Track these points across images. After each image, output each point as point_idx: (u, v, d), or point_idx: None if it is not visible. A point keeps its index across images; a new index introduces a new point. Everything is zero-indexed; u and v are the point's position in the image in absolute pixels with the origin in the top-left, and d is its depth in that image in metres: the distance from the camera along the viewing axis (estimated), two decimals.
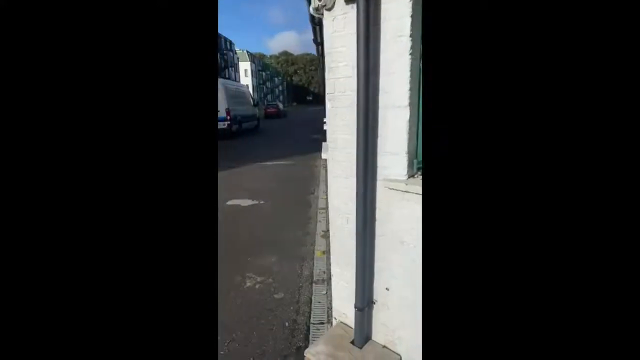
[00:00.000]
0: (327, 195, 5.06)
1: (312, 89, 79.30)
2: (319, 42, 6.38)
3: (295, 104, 68.34)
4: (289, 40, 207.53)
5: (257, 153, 9.41)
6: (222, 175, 6.83)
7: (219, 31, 37.91)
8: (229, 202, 4.94)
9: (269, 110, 27.33)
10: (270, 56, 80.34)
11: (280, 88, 70.04)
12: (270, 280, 2.75)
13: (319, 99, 68.44)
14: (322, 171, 6.82)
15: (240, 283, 2.71)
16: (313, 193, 5.33)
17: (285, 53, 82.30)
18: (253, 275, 2.82)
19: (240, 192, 5.44)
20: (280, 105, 30.39)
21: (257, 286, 2.67)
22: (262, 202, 4.92)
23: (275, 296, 2.52)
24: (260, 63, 58.65)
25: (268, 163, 7.98)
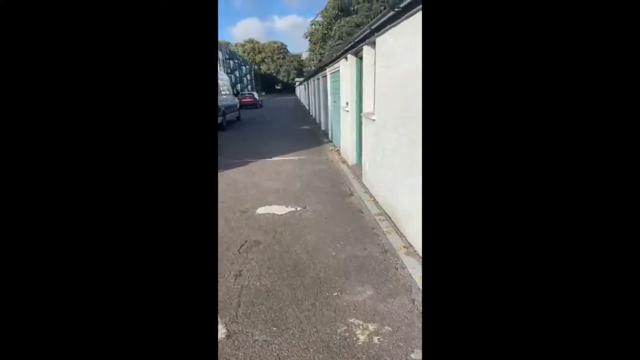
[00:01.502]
0: (373, 197, 4.36)
1: (280, 78, 77.35)
2: None
3: (264, 93, 66.14)
4: (253, 28, 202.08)
5: (258, 147, 8.47)
6: (233, 174, 5.91)
7: None
8: (260, 211, 4.11)
9: (244, 100, 25.87)
10: (236, 44, 76.94)
11: (249, 77, 67.58)
12: (388, 328, 2.03)
13: (289, 88, 66.68)
14: (343, 166, 6.10)
15: (349, 336, 1.98)
16: (352, 195, 4.61)
17: (251, 41, 79.13)
18: (359, 322, 2.09)
19: (265, 197, 4.61)
20: (256, 95, 29.06)
21: (375, 340, 1.94)
22: (298, 208, 4.13)
23: (412, 356, 1.82)
24: (227, 51, 55.99)
25: (277, 159, 7.12)
